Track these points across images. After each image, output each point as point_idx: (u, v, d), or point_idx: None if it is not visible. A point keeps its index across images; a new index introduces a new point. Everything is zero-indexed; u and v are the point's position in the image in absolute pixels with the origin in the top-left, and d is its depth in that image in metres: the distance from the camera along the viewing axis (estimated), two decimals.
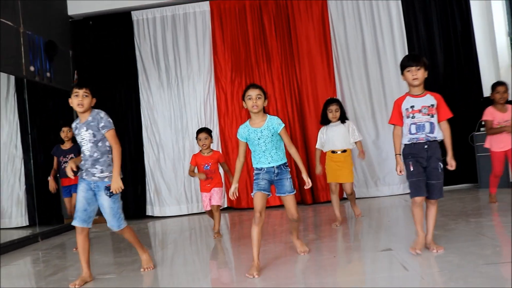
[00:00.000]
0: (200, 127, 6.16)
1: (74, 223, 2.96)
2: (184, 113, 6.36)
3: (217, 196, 4.26)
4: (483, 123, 5.05)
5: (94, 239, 4.73)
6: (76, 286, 2.89)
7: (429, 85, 6.25)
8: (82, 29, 6.48)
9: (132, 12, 6.42)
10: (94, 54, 6.43)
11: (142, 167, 6.38)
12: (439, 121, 2.88)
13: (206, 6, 6.35)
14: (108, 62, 6.42)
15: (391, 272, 2.67)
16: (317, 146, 4.30)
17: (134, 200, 6.31)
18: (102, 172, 2.94)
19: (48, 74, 5.59)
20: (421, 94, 2.92)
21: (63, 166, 4.37)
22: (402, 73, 2.94)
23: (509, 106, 4.32)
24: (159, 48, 6.41)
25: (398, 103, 2.96)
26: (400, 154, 2.95)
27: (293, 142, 6.15)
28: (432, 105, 2.87)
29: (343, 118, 4.23)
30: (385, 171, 6.00)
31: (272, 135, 2.93)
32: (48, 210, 5.52)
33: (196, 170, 4.30)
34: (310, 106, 6.15)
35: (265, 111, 3.03)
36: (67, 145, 4.51)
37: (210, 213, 4.39)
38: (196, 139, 4.37)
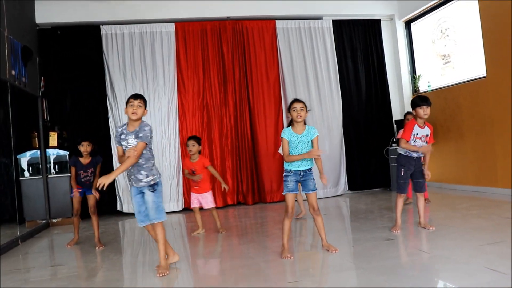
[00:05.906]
0: (164, 136, 6.84)
1: (138, 224, 3.35)
2: (149, 123, 6.82)
3: (209, 200, 4.71)
4: (395, 140, 6.85)
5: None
6: (164, 275, 3.19)
7: (357, 107, 7.96)
8: (49, 38, 6.60)
9: (101, 26, 6.74)
10: (62, 62, 6.59)
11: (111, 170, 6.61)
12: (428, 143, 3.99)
13: (171, 27, 6.99)
14: (75, 72, 6.62)
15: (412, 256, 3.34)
16: None
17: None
18: (147, 177, 3.23)
19: (23, 79, 5.67)
20: (423, 125, 3.97)
21: (83, 180, 4.52)
22: (414, 109, 3.93)
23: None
24: (126, 62, 6.80)
25: (410, 126, 3.94)
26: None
27: (245, 152, 7.20)
28: (427, 135, 3.97)
29: None
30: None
31: (308, 142, 3.40)
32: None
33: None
34: (260, 121, 7.17)
35: (305, 122, 3.49)
36: (86, 160, 4.54)
37: (195, 210, 4.75)
38: (186, 146, 4.76)
